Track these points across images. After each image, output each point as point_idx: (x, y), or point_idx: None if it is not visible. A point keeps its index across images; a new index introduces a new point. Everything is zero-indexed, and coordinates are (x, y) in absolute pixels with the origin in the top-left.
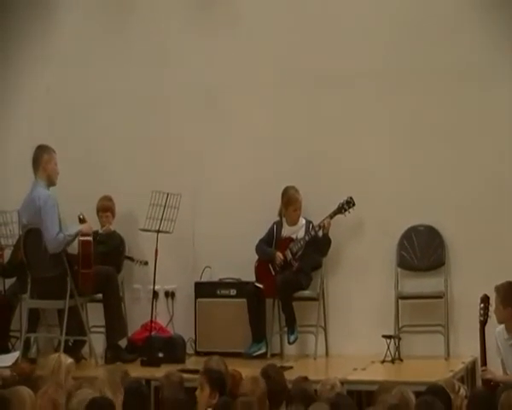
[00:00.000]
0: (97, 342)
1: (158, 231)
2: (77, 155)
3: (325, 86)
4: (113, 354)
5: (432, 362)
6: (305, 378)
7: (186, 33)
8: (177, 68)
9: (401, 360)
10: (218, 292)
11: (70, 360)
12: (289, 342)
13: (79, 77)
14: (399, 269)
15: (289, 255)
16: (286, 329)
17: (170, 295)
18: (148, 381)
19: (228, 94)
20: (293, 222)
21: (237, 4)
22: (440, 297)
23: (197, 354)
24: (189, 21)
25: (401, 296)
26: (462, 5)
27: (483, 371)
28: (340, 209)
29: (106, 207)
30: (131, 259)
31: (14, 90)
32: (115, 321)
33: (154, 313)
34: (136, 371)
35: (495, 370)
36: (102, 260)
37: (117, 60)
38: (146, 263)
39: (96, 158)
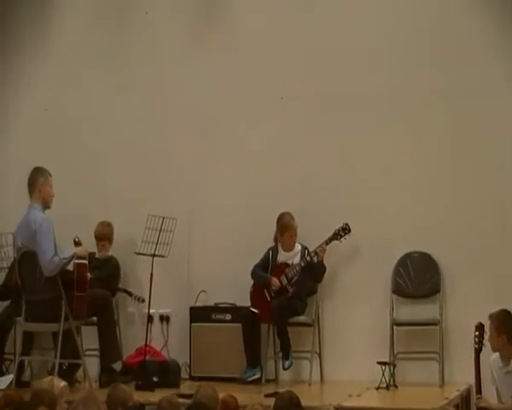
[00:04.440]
0: (92, 365)
1: (153, 255)
2: (73, 178)
3: (321, 109)
4: (108, 377)
5: (426, 389)
6: None
7: (184, 54)
8: (173, 90)
9: (396, 387)
10: (213, 317)
11: (63, 384)
12: (284, 368)
13: (76, 99)
14: (394, 296)
15: (285, 281)
16: (281, 354)
17: (165, 319)
18: (142, 405)
19: (225, 119)
20: (289, 248)
21: (236, 25)
22: (435, 324)
23: (192, 378)
24: (188, 42)
25: (396, 323)
26: (461, 25)
27: (478, 399)
28: (336, 235)
29: (103, 236)
30: (129, 293)
31: (12, 112)
32: (110, 345)
33: (148, 337)
34: None
35: (490, 398)
36: (98, 284)
37: (114, 82)
38: (143, 301)
39: (92, 181)
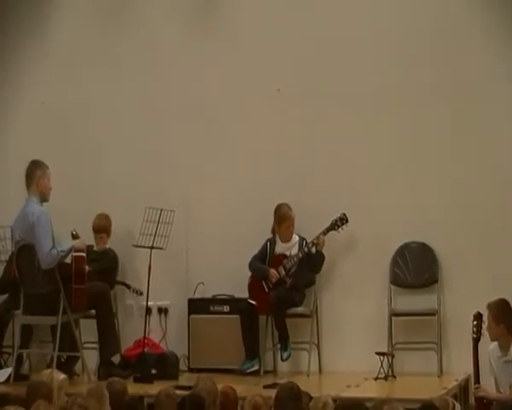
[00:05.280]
0: (90, 358)
1: (151, 248)
2: (71, 171)
3: (320, 102)
4: (106, 370)
5: (425, 379)
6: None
7: (182, 47)
8: (171, 84)
9: (394, 377)
10: (212, 308)
11: (63, 377)
12: (282, 359)
13: (74, 92)
14: (392, 286)
15: (283, 272)
16: (279, 346)
17: (163, 311)
18: (141, 397)
19: (222, 110)
20: (287, 239)
21: (236, 18)
22: (433, 314)
23: (190, 370)
24: (186, 35)
25: (394, 313)
26: (461, 25)
27: (476, 388)
28: (334, 226)
29: (100, 228)
30: (128, 286)
31: (12, 105)
32: (108, 337)
33: (147, 329)
34: (130, 387)
35: (488, 387)
36: (96, 277)
37: (111, 75)
38: (141, 293)
39: (90, 174)
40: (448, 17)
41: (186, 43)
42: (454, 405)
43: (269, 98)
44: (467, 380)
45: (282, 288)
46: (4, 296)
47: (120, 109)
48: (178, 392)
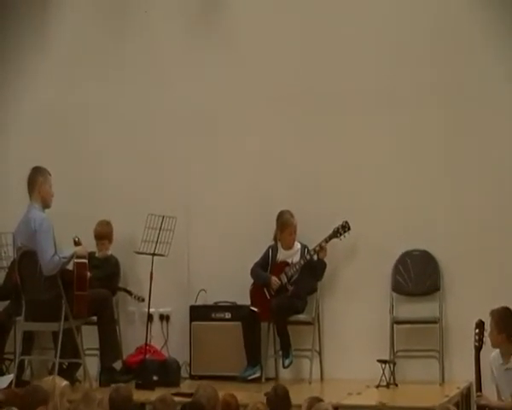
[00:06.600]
0: (92, 364)
1: (153, 254)
2: (73, 177)
3: (320, 108)
4: (108, 376)
5: (427, 387)
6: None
7: (183, 53)
8: (173, 91)
9: (396, 385)
10: (213, 315)
11: (65, 383)
12: (284, 366)
13: (76, 98)
14: (394, 294)
15: (284, 279)
16: (281, 353)
17: (165, 318)
18: (142, 404)
19: (223, 117)
20: (289, 246)
21: (234, 24)
22: (435, 322)
23: (192, 377)
24: (187, 41)
25: (396, 321)
26: (461, 25)
27: (478, 396)
28: (336, 233)
29: (102, 235)
30: (129, 292)
31: (12, 112)
32: (110, 344)
33: (148, 336)
34: None
35: (490, 395)
36: (98, 284)
37: (112, 76)
38: (143, 300)
39: (92, 180)
40: (448, 17)
41: (187, 44)
42: None
43: (270, 104)
44: (468, 388)
45: (284, 295)
46: (6, 303)
47: (121, 110)
48: (179, 399)
